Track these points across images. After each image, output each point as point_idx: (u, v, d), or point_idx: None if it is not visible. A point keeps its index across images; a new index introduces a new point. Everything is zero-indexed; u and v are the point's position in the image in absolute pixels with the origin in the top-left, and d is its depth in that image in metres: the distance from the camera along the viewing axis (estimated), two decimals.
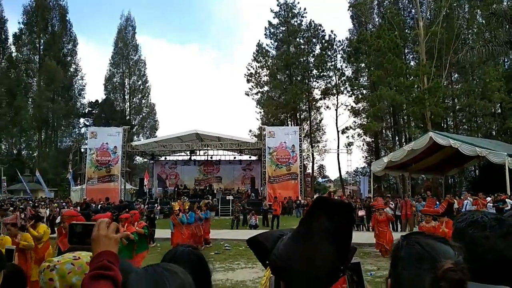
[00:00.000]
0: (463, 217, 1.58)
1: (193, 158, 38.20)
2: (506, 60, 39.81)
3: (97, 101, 59.91)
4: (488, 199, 17.26)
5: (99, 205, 25.33)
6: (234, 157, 38.48)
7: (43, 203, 25.63)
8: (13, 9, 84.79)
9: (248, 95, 50.11)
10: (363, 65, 43.62)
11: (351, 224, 1.29)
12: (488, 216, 1.51)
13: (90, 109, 59.99)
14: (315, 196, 18.90)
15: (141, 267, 1.31)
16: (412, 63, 41.78)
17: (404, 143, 37.52)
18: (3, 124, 51.39)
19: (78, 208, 23.46)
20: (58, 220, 16.98)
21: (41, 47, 56.75)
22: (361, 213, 19.17)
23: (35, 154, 55.66)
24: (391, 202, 19.62)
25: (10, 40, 55.56)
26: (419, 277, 1.12)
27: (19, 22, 56.64)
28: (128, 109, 60.95)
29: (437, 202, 15.89)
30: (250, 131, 51.43)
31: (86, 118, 59.60)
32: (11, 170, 43.12)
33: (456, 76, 44.41)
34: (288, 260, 1.26)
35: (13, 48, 55.87)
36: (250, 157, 38.56)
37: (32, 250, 6.99)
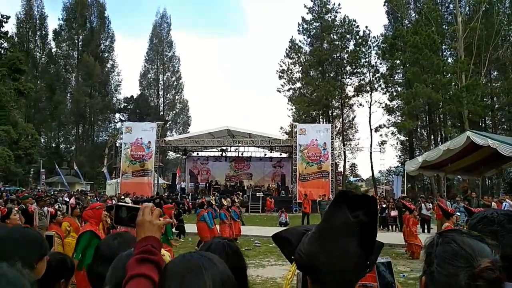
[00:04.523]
0: (477, 214, 1.61)
1: (224, 154, 38.46)
2: None
3: (132, 96, 61.30)
4: None
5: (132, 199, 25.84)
6: (265, 154, 38.45)
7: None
8: (53, 6, 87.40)
9: (279, 91, 50.00)
10: (398, 61, 42.56)
11: (375, 218, 1.26)
12: (498, 212, 1.53)
13: (125, 104, 61.43)
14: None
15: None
16: (449, 60, 40.57)
17: (440, 143, 36.52)
18: (43, 118, 53.35)
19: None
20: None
21: (80, 43, 58.52)
22: (393, 213, 18.82)
23: (72, 148, 57.55)
24: (428, 203, 19.15)
25: (50, 36, 57.48)
26: (455, 275, 1.10)
27: (59, 19, 58.88)
28: (162, 105, 62.04)
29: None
30: (281, 128, 51.32)
31: (121, 113, 61.13)
32: (50, 163, 44.66)
33: (495, 73, 42.85)
34: (312, 256, 1.25)
35: (52, 44, 57.83)
36: (280, 154, 38.44)
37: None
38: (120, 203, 1.58)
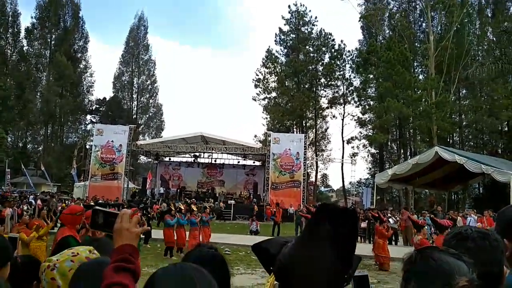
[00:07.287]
0: (453, 230, 1.63)
1: (197, 160, 38.21)
2: None
3: (104, 98, 60.21)
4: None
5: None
6: (238, 162, 38.41)
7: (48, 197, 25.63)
8: (26, 3, 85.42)
9: (255, 100, 50.23)
10: (371, 76, 43.55)
11: (354, 231, 1.27)
12: (473, 229, 1.54)
13: (97, 106, 60.25)
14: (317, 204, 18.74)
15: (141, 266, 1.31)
16: (420, 76, 41.69)
17: (409, 157, 37.40)
18: (11, 116, 51.66)
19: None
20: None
21: (52, 42, 57.11)
22: (363, 224, 19.00)
23: (40, 148, 55.98)
24: (395, 216, 19.48)
25: (22, 34, 55.97)
26: None
27: (31, 17, 57.13)
28: (135, 108, 61.22)
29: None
30: (255, 136, 51.56)
31: (93, 115, 59.91)
32: (16, 163, 43.28)
33: (464, 92, 44.22)
34: (291, 266, 1.25)
35: (24, 42, 56.29)
36: (254, 162, 38.50)
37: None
38: (97, 208, 1.54)
